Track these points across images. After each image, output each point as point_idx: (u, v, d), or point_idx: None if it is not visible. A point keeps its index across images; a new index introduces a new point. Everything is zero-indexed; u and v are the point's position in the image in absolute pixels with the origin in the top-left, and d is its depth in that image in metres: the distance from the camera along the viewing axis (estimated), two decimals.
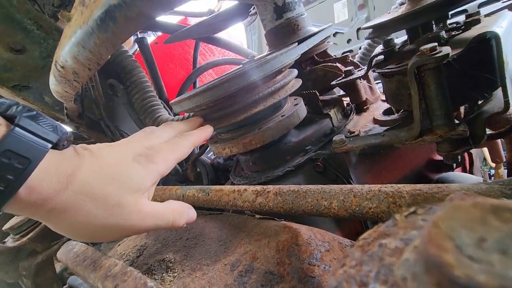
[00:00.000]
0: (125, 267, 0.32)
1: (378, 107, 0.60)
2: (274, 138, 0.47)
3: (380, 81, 0.53)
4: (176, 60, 1.44)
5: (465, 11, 0.81)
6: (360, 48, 1.05)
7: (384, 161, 0.51)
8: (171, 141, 0.35)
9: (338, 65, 0.62)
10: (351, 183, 0.47)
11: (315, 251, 0.30)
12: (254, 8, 0.74)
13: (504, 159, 0.62)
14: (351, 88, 0.59)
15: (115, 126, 0.84)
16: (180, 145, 0.35)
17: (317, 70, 0.64)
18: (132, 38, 1.25)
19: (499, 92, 0.37)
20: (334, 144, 0.46)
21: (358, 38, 1.71)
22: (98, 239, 0.30)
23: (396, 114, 0.50)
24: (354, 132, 0.49)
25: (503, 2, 0.45)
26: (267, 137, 0.46)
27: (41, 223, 0.90)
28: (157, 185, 0.41)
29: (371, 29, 0.47)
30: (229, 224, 0.41)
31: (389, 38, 0.47)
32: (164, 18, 1.01)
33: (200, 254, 0.38)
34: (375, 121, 0.53)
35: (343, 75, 0.58)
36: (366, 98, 0.60)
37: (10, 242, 0.92)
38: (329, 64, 0.63)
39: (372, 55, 0.48)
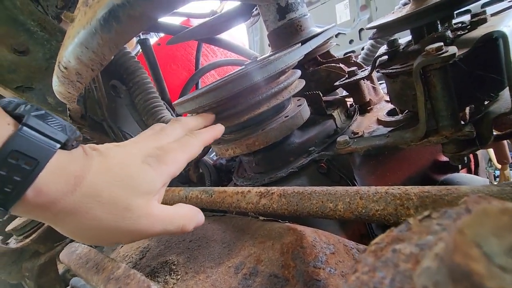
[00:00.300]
0: (128, 269, 0.32)
1: (382, 108, 0.60)
2: (278, 139, 0.47)
3: (383, 81, 0.53)
4: (178, 61, 1.44)
5: (468, 11, 0.80)
6: (362, 49, 1.05)
7: (388, 162, 0.51)
8: (181, 140, 0.34)
9: (342, 65, 0.62)
10: (355, 185, 0.47)
11: (320, 254, 0.30)
12: (256, 9, 0.74)
13: (511, 160, 0.62)
14: (354, 89, 0.59)
15: (117, 127, 0.84)
16: (190, 145, 0.34)
17: (320, 71, 0.63)
18: (135, 40, 1.26)
19: (506, 92, 0.36)
20: (338, 145, 0.46)
21: (360, 39, 1.71)
22: (105, 242, 0.29)
23: (400, 115, 0.50)
24: (358, 133, 0.49)
25: (509, 1, 0.45)
26: (271, 138, 0.46)
27: (44, 224, 0.90)
28: None
29: (375, 29, 0.47)
30: (232, 226, 0.41)
31: (393, 38, 0.47)
32: (167, 19, 1.01)
33: (204, 257, 0.37)
34: (379, 122, 0.53)
35: (347, 76, 0.58)
36: (369, 99, 0.60)
37: (13, 243, 0.92)
38: (332, 64, 0.62)
39: (376, 55, 0.48)
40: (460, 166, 0.55)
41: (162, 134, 0.34)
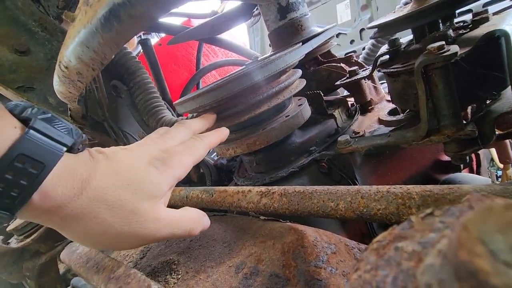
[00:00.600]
0: (129, 269, 0.32)
1: (383, 107, 0.59)
2: (278, 138, 0.47)
3: (384, 81, 0.53)
4: (179, 61, 1.44)
5: (470, 11, 0.80)
6: (363, 49, 1.05)
7: (390, 162, 0.51)
8: (186, 143, 0.34)
9: (342, 65, 0.62)
10: (356, 184, 0.47)
11: (321, 253, 0.29)
12: (257, 8, 0.74)
13: None
14: (355, 88, 0.59)
15: (118, 127, 0.84)
16: (195, 148, 0.34)
17: (321, 70, 0.63)
18: (136, 40, 1.26)
19: (508, 91, 0.36)
20: (339, 145, 0.46)
21: (361, 39, 1.70)
22: (112, 247, 0.29)
23: (402, 114, 0.50)
24: (359, 132, 0.49)
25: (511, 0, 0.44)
26: (271, 137, 0.46)
27: None
28: None
29: (376, 29, 0.47)
30: (233, 225, 0.41)
31: (394, 37, 0.46)
32: (168, 19, 1.02)
33: (204, 256, 0.37)
34: (380, 121, 0.52)
35: (348, 75, 0.58)
36: (370, 98, 0.59)
37: (14, 243, 0.92)
38: (333, 64, 0.62)
39: (377, 54, 0.47)
40: (462, 166, 0.54)
41: (167, 137, 0.34)
